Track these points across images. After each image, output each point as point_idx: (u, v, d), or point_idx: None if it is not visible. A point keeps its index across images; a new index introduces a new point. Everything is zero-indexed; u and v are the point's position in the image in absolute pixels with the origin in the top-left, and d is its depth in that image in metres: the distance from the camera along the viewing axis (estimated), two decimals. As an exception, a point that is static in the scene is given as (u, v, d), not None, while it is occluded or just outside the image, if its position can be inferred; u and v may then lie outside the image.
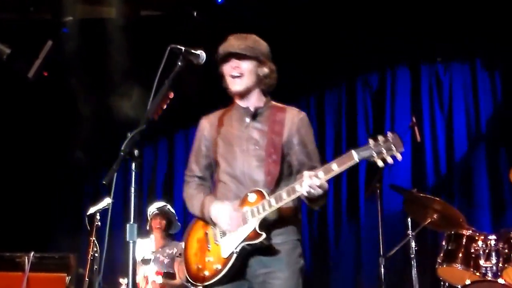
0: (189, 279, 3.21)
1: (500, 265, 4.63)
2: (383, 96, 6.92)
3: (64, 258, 5.32)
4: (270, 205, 3.01)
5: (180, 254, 5.83)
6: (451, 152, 6.54)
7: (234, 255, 3.05)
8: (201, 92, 6.13)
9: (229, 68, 3.20)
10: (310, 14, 6.41)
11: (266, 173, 3.11)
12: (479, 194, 6.36)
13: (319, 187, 2.92)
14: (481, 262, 4.66)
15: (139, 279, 5.69)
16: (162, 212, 6.04)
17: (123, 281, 5.59)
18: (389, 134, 2.85)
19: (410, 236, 5.07)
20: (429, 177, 6.56)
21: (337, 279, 6.80)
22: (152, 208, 6.06)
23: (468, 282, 4.58)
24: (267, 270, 3.07)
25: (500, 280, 4.54)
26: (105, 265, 3.09)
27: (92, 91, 6.81)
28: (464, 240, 4.81)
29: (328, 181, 2.97)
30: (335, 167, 2.91)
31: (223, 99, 3.37)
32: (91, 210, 5.00)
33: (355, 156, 2.88)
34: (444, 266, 4.88)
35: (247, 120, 3.24)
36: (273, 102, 3.31)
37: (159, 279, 5.66)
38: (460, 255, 4.77)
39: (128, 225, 2.66)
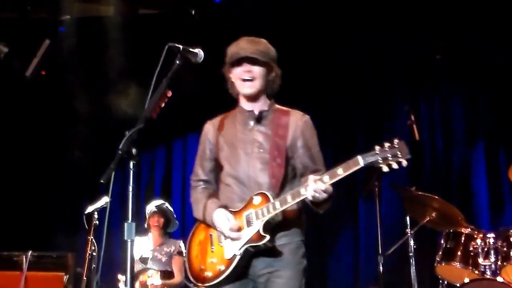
0: (192, 280, 3.22)
1: (499, 263, 4.64)
2: (382, 96, 6.93)
3: (62, 257, 5.33)
4: (275, 208, 3.02)
5: (178, 252, 5.84)
6: (449, 150, 6.54)
7: (238, 257, 3.07)
8: (199, 97, 6.12)
9: (241, 72, 3.19)
10: (310, 14, 6.40)
11: (270, 176, 3.12)
12: (478, 192, 6.37)
13: (324, 191, 2.93)
14: (480, 260, 4.67)
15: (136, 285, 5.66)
16: (160, 210, 6.02)
17: (121, 277, 5.58)
18: (396, 141, 2.87)
19: (409, 234, 5.06)
20: (427, 175, 6.56)
21: (336, 277, 6.81)
22: (151, 206, 6.04)
23: (467, 280, 4.57)
24: (271, 269, 3.08)
25: (499, 278, 4.54)
26: (103, 264, 3.08)
27: (90, 89, 6.80)
28: (463, 239, 4.81)
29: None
30: (341, 172, 2.92)
31: (221, 103, 3.36)
32: (89, 209, 4.99)
33: (360, 161, 2.90)
34: (443, 264, 4.88)
35: (251, 123, 3.24)
36: (277, 105, 3.32)
37: (158, 281, 5.62)
38: (459, 253, 4.78)
39: (126, 224, 2.64)
